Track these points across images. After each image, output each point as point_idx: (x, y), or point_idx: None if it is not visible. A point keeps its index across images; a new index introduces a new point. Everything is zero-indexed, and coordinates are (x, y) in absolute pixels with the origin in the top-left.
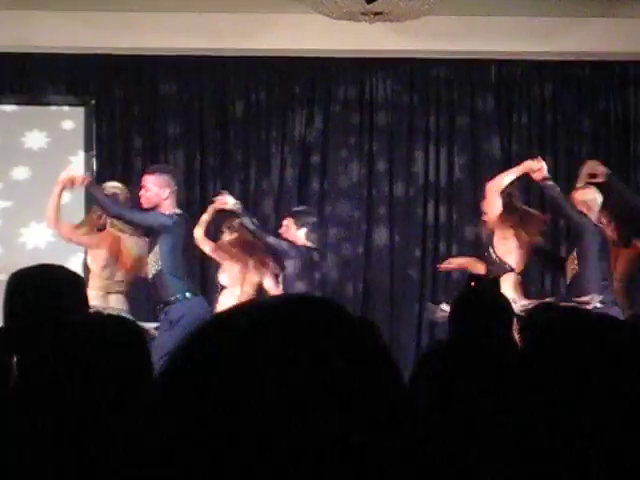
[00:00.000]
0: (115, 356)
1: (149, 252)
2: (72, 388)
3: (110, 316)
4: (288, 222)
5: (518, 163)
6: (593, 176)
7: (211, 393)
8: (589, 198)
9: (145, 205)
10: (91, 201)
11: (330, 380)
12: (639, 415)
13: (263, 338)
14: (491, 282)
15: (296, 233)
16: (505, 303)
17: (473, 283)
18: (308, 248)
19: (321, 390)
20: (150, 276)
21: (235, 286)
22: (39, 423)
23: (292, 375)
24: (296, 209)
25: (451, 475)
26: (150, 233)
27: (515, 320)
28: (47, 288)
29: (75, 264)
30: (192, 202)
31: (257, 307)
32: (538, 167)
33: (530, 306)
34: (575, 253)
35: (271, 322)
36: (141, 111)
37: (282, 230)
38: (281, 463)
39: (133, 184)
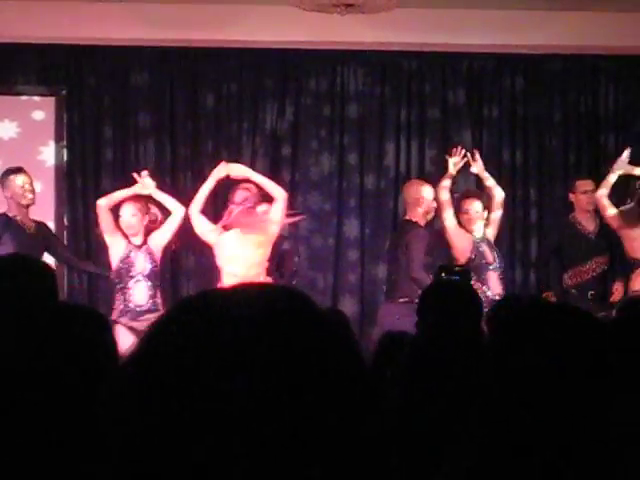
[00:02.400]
0: (82, 344)
1: None
2: (38, 375)
3: (76, 306)
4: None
5: (489, 156)
6: None
7: (176, 380)
8: None
9: None
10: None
11: (296, 367)
12: (597, 402)
13: (229, 326)
14: (462, 273)
15: None
16: (474, 294)
17: (443, 274)
18: None
19: (287, 377)
20: None
21: None
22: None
23: (259, 363)
24: None
25: (414, 462)
26: None
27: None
28: (17, 277)
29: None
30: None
31: (224, 295)
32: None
33: None
34: None
35: (239, 310)
36: (112, 102)
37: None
38: (250, 450)
39: (103, 175)
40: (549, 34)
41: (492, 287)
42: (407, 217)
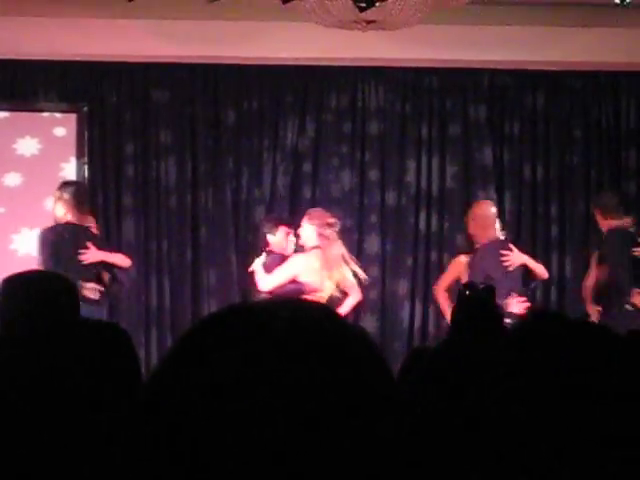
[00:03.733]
0: (106, 359)
1: None
2: (63, 391)
3: (100, 322)
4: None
5: (510, 173)
6: None
7: (204, 393)
8: None
9: None
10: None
11: (325, 383)
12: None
13: (259, 340)
14: (486, 290)
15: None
16: (498, 311)
17: (468, 292)
18: None
19: (316, 392)
20: None
21: None
22: (31, 429)
23: (286, 377)
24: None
25: (437, 470)
26: None
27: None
28: (40, 294)
29: None
30: (183, 210)
31: (253, 309)
32: None
33: None
34: None
35: (266, 324)
36: (133, 118)
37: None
38: (274, 461)
39: (124, 191)
40: (570, 50)
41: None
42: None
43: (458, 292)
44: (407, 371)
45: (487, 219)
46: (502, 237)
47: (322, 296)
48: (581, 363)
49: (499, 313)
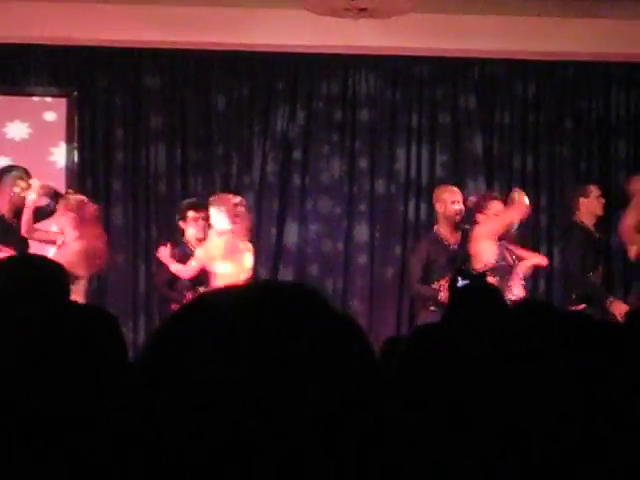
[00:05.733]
0: (91, 343)
1: None
2: (47, 375)
3: (87, 306)
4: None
5: (499, 162)
6: None
7: (190, 375)
8: None
9: None
10: None
11: (309, 365)
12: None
13: (244, 322)
14: (479, 276)
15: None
16: (496, 293)
17: (460, 278)
18: None
19: (300, 375)
20: None
21: None
22: (16, 412)
23: (272, 360)
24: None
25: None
26: None
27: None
28: (29, 277)
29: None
30: (173, 196)
31: (239, 292)
32: None
33: None
34: None
35: (254, 307)
36: (123, 103)
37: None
38: (260, 445)
39: (114, 177)
40: (561, 41)
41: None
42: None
43: (450, 280)
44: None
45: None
46: None
47: (233, 281)
48: (567, 353)
49: (497, 298)
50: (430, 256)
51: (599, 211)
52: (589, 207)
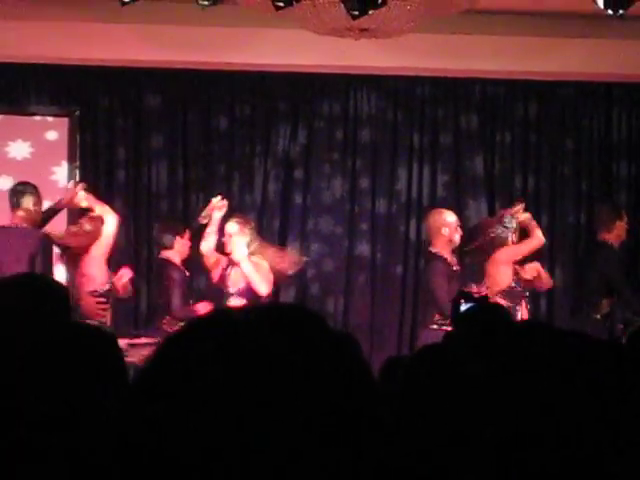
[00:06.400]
0: (90, 361)
1: None
2: (46, 391)
3: (85, 325)
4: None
5: (501, 182)
6: None
7: (184, 399)
8: None
9: None
10: None
11: (307, 387)
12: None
13: (246, 341)
14: (482, 299)
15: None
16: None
17: (462, 301)
18: None
19: (298, 397)
20: None
21: None
22: (16, 430)
23: (270, 383)
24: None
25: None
26: None
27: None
28: (32, 296)
29: (58, 274)
30: (174, 215)
31: (240, 313)
32: None
33: None
34: None
35: (252, 330)
36: (125, 123)
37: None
38: (258, 458)
39: (115, 196)
40: (562, 60)
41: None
42: (430, 248)
43: (453, 303)
44: (383, 381)
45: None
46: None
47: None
48: (570, 376)
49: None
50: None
51: (625, 236)
52: (621, 231)
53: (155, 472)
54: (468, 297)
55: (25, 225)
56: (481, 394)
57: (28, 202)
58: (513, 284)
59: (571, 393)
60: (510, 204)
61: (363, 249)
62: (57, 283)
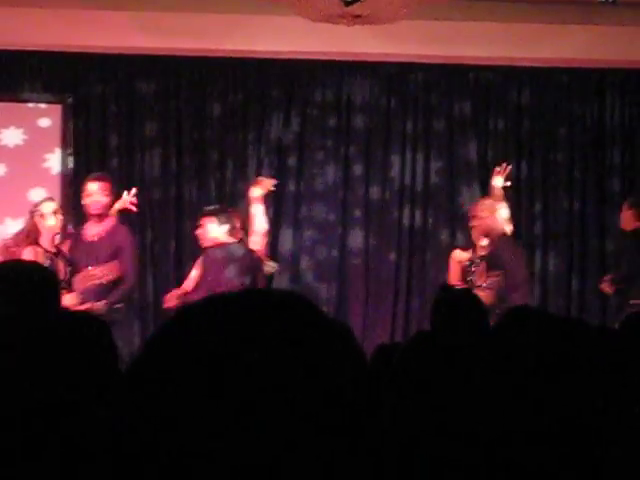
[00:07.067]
0: (84, 351)
1: None
2: (40, 379)
3: (78, 313)
4: (204, 221)
5: (494, 168)
6: None
7: (177, 387)
8: None
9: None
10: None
11: (300, 374)
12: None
13: (232, 331)
14: (464, 291)
15: (217, 231)
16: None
17: (444, 292)
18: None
19: (291, 384)
20: None
21: None
22: (7, 417)
23: (263, 369)
24: (210, 208)
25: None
26: None
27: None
28: (21, 284)
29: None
30: (168, 202)
31: (227, 300)
32: None
33: None
34: None
35: (244, 317)
36: (118, 110)
37: (199, 231)
38: (252, 450)
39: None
40: (555, 47)
41: None
42: None
43: (435, 295)
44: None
45: None
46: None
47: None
48: (561, 359)
49: (478, 313)
50: None
51: None
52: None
53: (150, 460)
54: (449, 289)
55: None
56: (475, 381)
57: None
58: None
59: (564, 377)
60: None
61: (356, 236)
62: (46, 270)
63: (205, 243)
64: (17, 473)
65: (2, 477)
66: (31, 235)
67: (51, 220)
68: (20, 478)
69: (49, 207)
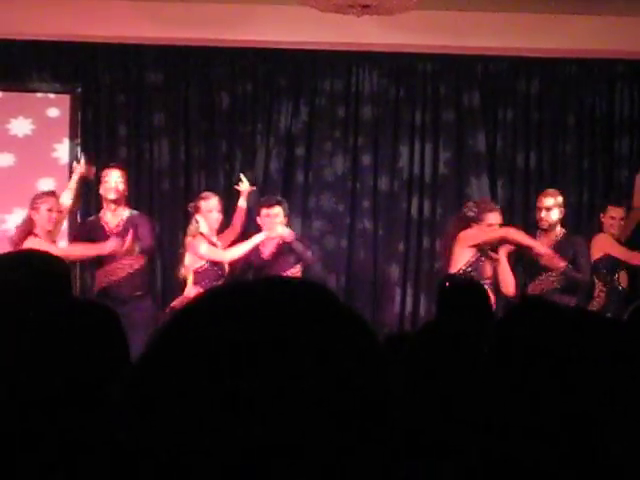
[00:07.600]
0: (93, 338)
1: None
2: (50, 370)
3: (88, 301)
4: (276, 209)
5: (502, 159)
6: None
7: (191, 376)
8: None
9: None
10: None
11: (318, 361)
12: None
13: (249, 320)
14: (467, 282)
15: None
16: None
17: (447, 283)
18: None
19: (309, 370)
20: None
21: None
22: (17, 404)
23: (282, 355)
24: (279, 198)
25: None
26: None
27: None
28: (31, 272)
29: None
30: (176, 192)
31: (249, 288)
32: None
33: None
34: None
35: (261, 302)
36: (126, 100)
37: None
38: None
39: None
40: (565, 37)
41: None
42: None
43: (438, 284)
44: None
45: None
46: None
47: None
48: (568, 350)
49: (481, 301)
50: None
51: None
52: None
53: (158, 449)
54: (453, 280)
55: None
56: (483, 370)
57: None
58: (465, 268)
59: (570, 369)
60: (511, 181)
61: (365, 226)
62: (58, 260)
63: (273, 233)
64: (26, 465)
65: (10, 471)
66: (27, 227)
67: (43, 216)
68: (20, 468)
69: (45, 204)
